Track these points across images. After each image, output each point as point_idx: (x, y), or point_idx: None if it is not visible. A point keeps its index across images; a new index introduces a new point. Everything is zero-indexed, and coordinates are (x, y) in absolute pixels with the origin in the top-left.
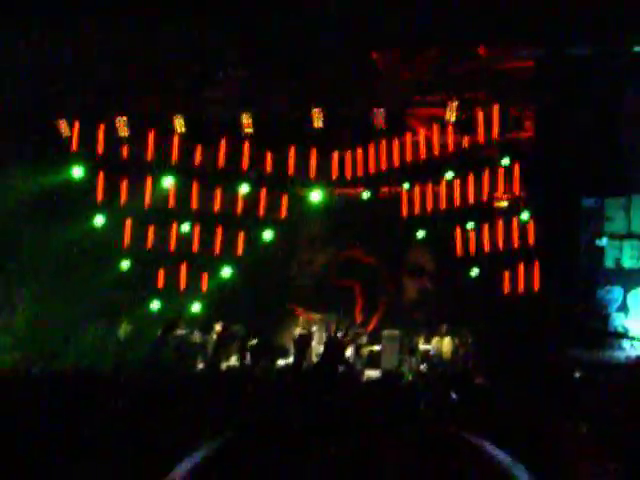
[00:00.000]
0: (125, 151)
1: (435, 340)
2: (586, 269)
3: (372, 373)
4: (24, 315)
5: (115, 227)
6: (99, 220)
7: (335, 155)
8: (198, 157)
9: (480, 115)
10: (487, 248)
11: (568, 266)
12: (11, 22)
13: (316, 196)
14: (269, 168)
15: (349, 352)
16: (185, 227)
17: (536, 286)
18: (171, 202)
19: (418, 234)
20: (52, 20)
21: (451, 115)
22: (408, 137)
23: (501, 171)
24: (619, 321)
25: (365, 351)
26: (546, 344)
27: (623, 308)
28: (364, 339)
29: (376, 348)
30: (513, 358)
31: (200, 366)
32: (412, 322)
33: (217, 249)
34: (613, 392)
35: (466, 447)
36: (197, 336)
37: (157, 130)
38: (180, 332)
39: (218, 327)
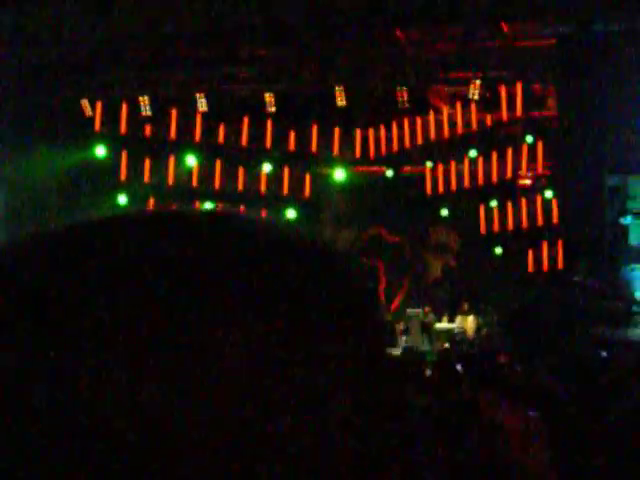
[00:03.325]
0: (148, 130)
1: (459, 318)
2: (610, 247)
3: (393, 351)
4: None
5: (138, 206)
6: (122, 199)
7: (358, 133)
8: (221, 135)
9: (503, 93)
10: (511, 226)
11: (592, 244)
12: None
13: (339, 174)
14: (292, 146)
15: None
16: (208, 206)
17: (560, 264)
18: (194, 181)
19: (442, 212)
20: None
21: (474, 93)
22: (431, 115)
23: (525, 149)
24: None
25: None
26: (570, 323)
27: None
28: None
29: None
30: (537, 337)
31: None
32: (436, 300)
33: None
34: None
35: None
36: None
37: (180, 108)
38: None
39: None
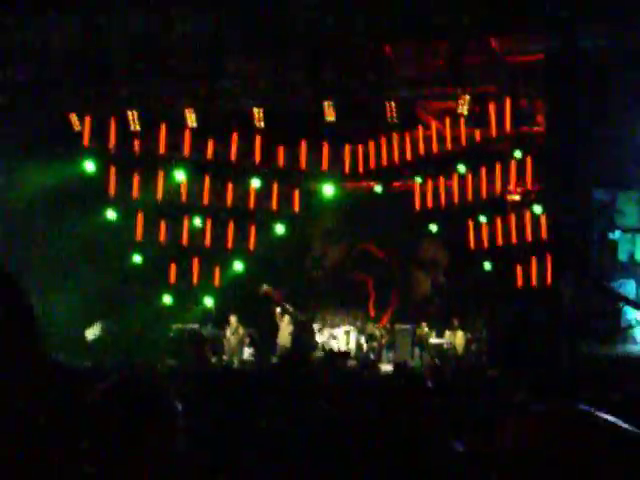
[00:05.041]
0: (137, 145)
1: (448, 334)
2: (599, 263)
3: (385, 367)
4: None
5: (127, 221)
6: (111, 214)
7: (347, 148)
8: (210, 151)
9: (492, 108)
10: (500, 242)
11: (581, 260)
12: (21, 9)
13: (328, 190)
14: (281, 162)
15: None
16: (197, 221)
17: (549, 280)
18: (183, 196)
19: (431, 228)
20: (62, 6)
21: (463, 108)
22: (420, 130)
23: (513, 164)
24: (632, 315)
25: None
26: (558, 338)
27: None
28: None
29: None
30: (525, 351)
31: (213, 361)
32: (425, 316)
33: (229, 243)
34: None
35: None
36: (209, 331)
37: (168, 124)
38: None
39: (233, 321)
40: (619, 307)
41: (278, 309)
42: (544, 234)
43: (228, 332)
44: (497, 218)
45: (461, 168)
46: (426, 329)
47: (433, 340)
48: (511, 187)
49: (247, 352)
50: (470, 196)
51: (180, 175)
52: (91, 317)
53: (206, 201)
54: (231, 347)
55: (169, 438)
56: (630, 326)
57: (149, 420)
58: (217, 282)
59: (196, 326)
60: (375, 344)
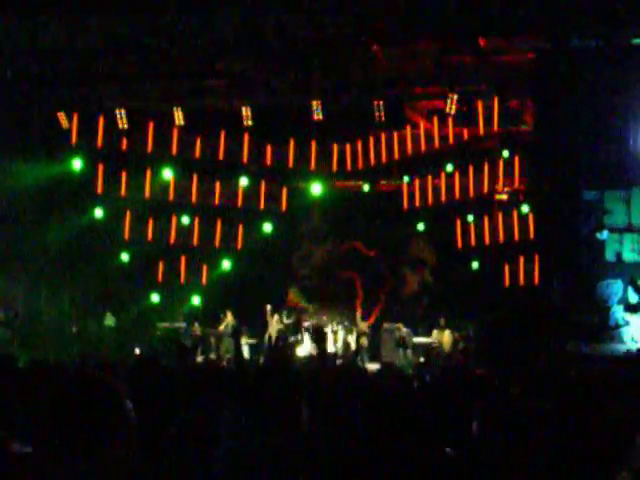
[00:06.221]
0: (125, 143)
1: (435, 333)
2: (586, 262)
3: (371, 366)
4: (22, 307)
5: (115, 219)
6: (98, 212)
7: (335, 147)
8: (198, 149)
9: (480, 107)
10: (487, 241)
11: (568, 259)
12: (10, 9)
13: (316, 189)
14: (269, 160)
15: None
16: (185, 219)
17: (536, 279)
18: (171, 194)
19: (418, 227)
20: (50, 6)
21: (451, 107)
22: (408, 129)
23: (501, 164)
24: (619, 314)
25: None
26: (545, 338)
27: (624, 301)
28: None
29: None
30: (512, 351)
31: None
32: (412, 314)
33: (217, 242)
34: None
35: None
36: (197, 328)
37: (156, 122)
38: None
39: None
40: (607, 307)
41: (268, 307)
42: (532, 233)
43: (222, 327)
44: (485, 217)
45: (449, 167)
46: (404, 329)
47: (420, 339)
48: (499, 186)
49: (245, 350)
50: (458, 195)
51: (168, 173)
52: (78, 314)
53: (194, 199)
54: (225, 345)
55: (117, 437)
56: (617, 325)
57: (95, 417)
58: (205, 280)
59: (182, 325)
60: (366, 342)
